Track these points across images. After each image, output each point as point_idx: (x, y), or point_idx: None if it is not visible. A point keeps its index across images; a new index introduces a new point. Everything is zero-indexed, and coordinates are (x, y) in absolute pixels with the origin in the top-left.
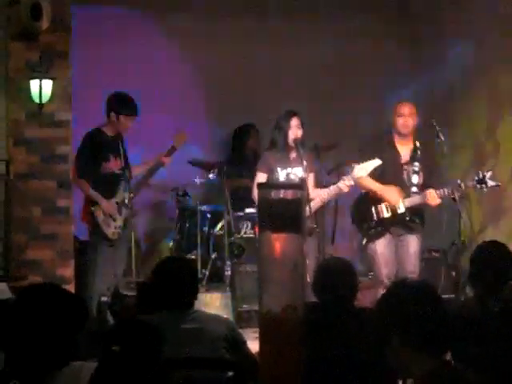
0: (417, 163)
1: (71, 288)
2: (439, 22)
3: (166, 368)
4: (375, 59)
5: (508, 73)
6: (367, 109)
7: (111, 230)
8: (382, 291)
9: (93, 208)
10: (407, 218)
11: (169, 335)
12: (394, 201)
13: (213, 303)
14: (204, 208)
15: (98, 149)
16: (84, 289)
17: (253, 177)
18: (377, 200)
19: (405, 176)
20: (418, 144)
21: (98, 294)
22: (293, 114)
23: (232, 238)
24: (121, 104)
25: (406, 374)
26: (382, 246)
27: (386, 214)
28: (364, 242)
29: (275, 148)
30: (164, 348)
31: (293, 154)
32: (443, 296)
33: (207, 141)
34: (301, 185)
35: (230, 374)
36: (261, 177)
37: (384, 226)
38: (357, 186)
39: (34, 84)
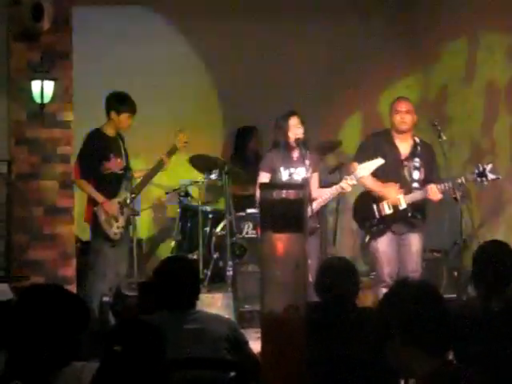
0: (417, 159)
1: (73, 288)
2: (435, 20)
3: (167, 368)
4: (376, 58)
5: (503, 71)
6: (368, 108)
7: (113, 230)
8: (383, 290)
9: (95, 208)
10: (409, 214)
11: (170, 335)
12: (393, 198)
13: (214, 303)
14: (206, 208)
15: (99, 149)
16: (86, 289)
17: (254, 177)
18: (378, 197)
19: (405, 172)
20: (417, 140)
21: (99, 294)
22: (291, 113)
23: (234, 238)
24: (120, 102)
25: (407, 374)
26: (384, 245)
27: (388, 211)
28: (367, 239)
29: (277, 148)
30: (166, 348)
31: (295, 154)
32: (445, 296)
33: (208, 141)
34: (303, 185)
35: (232, 374)
36: (264, 177)
37: (386, 224)
38: (359, 184)
39: (36, 84)
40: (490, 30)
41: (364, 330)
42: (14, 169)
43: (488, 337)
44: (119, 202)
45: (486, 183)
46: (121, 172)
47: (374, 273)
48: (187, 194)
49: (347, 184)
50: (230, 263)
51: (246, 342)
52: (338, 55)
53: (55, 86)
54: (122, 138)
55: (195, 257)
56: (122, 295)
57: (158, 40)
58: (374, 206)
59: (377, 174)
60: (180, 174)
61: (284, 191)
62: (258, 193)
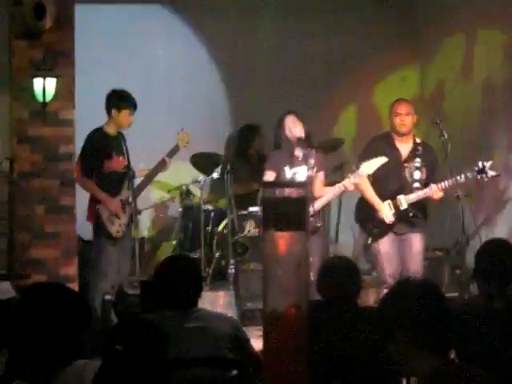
0: (418, 159)
1: (75, 287)
2: (434, 15)
3: (169, 367)
4: (372, 51)
5: (500, 67)
6: (369, 107)
7: (116, 228)
8: (385, 291)
9: (98, 207)
10: (410, 214)
11: (172, 334)
12: (385, 215)
13: (216, 302)
14: (207, 207)
15: (100, 147)
16: (88, 288)
17: (256, 176)
18: (379, 198)
19: (407, 173)
20: (418, 140)
21: (101, 292)
22: (287, 112)
23: (236, 237)
24: (121, 99)
25: (409, 373)
26: (385, 246)
27: (390, 213)
28: (369, 241)
29: (279, 148)
30: (168, 347)
31: (299, 153)
32: (447, 294)
33: (210, 140)
34: (305, 183)
35: (234, 372)
36: (269, 176)
37: (388, 225)
38: (358, 187)
39: (38, 82)
40: (488, 26)
41: (365, 329)
42: (16, 167)
43: (490, 336)
44: (121, 201)
45: (486, 180)
46: (123, 170)
47: (376, 271)
48: (189, 193)
49: (350, 182)
50: (232, 261)
51: (248, 340)
52: (335, 48)
53: (57, 84)
54: (124, 137)
55: (197, 255)
56: (124, 294)
57: (159, 39)
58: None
59: (378, 175)
60: (182, 172)
61: (286, 190)
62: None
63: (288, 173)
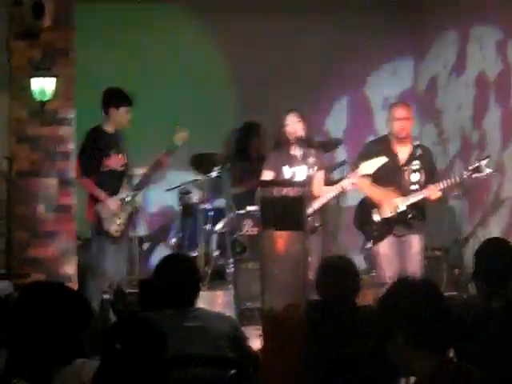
0: (416, 161)
1: (73, 286)
2: (428, 10)
3: (168, 366)
4: (363, 43)
5: (493, 62)
6: (369, 106)
7: (115, 227)
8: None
9: (97, 206)
10: (409, 216)
11: (171, 333)
12: (390, 204)
13: (215, 301)
14: (206, 206)
15: (99, 146)
16: (86, 286)
17: (255, 175)
18: (378, 202)
19: (405, 177)
20: (416, 143)
21: (100, 291)
22: (289, 110)
23: (234, 236)
24: (118, 97)
25: (408, 372)
26: (385, 248)
27: (388, 214)
28: (369, 245)
29: (279, 147)
30: (166, 346)
31: (298, 152)
32: (446, 294)
33: (210, 139)
34: (303, 182)
35: (233, 372)
36: (267, 175)
37: (387, 226)
38: (358, 187)
39: (37, 82)
40: (481, 23)
41: (364, 328)
42: (15, 166)
43: (489, 335)
44: (120, 200)
45: (483, 178)
46: (121, 169)
47: (375, 271)
48: (188, 192)
49: (349, 183)
50: (231, 261)
51: (247, 340)
52: (327, 41)
53: (56, 83)
54: (122, 136)
55: (196, 254)
56: (123, 293)
57: (158, 38)
58: (375, 210)
59: (377, 179)
60: (180, 171)
61: (284, 189)
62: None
63: (287, 172)
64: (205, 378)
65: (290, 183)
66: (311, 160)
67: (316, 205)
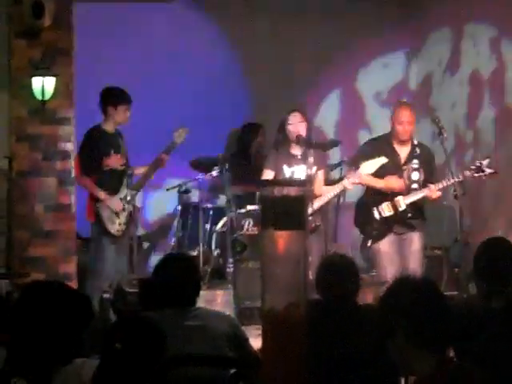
0: (416, 160)
1: (73, 285)
2: (422, 7)
3: (168, 365)
4: (361, 43)
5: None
6: (369, 105)
7: (115, 226)
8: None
9: (97, 205)
10: (409, 215)
11: (171, 332)
12: (398, 186)
13: (215, 300)
14: (206, 205)
15: (98, 145)
16: (86, 286)
17: (256, 174)
18: (377, 200)
19: (405, 175)
20: (415, 142)
21: (100, 290)
22: (292, 109)
23: (234, 235)
24: (116, 96)
25: (408, 372)
26: (385, 246)
27: (388, 213)
28: (369, 244)
29: (279, 146)
30: (166, 345)
31: (298, 152)
32: (446, 293)
33: (210, 138)
34: (304, 182)
35: (233, 371)
36: (268, 175)
37: (387, 225)
38: (361, 183)
39: (37, 81)
40: (475, 20)
41: (364, 327)
42: (14, 165)
43: (488, 334)
44: (120, 199)
45: (484, 178)
46: (121, 168)
47: (375, 270)
48: (188, 191)
49: (349, 183)
50: (231, 260)
51: (247, 339)
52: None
53: (56, 82)
54: (121, 135)
55: (196, 254)
56: (123, 292)
57: (158, 38)
58: (374, 209)
59: (377, 177)
60: (181, 170)
61: (285, 188)
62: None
63: (287, 171)
64: (205, 378)
65: (291, 182)
66: (311, 160)
67: (316, 205)
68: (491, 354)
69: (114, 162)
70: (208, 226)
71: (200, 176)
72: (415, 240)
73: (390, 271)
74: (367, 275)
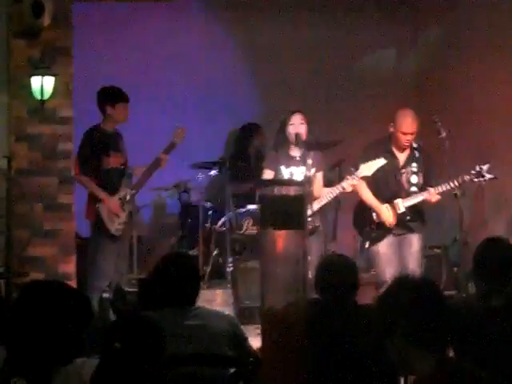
0: (415, 164)
1: (73, 284)
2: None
3: (168, 364)
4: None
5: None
6: (370, 105)
7: (115, 226)
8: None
9: (97, 205)
10: (407, 218)
11: (171, 332)
12: (385, 218)
13: (214, 300)
14: (206, 204)
15: (98, 145)
16: (85, 285)
17: (255, 175)
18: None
19: (404, 179)
20: (415, 145)
21: (99, 290)
22: (294, 111)
23: (234, 235)
24: (113, 94)
25: (408, 371)
26: (384, 247)
27: (388, 214)
28: (367, 245)
29: (279, 147)
30: (166, 344)
31: (297, 153)
32: (445, 292)
33: (210, 138)
34: (303, 182)
35: (232, 370)
36: (267, 175)
37: (386, 228)
38: (356, 189)
39: (36, 81)
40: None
41: (363, 327)
42: (14, 165)
43: (488, 333)
44: (120, 199)
45: (483, 183)
46: (121, 168)
47: (374, 269)
48: (187, 191)
49: (348, 184)
50: (230, 259)
51: (246, 339)
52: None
53: (55, 82)
54: (121, 135)
55: (195, 253)
56: (122, 291)
57: (157, 37)
58: (373, 211)
59: (376, 180)
60: (180, 170)
61: (284, 188)
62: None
63: (285, 172)
64: (204, 377)
65: (290, 182)
66: (310, 161)
67: (316, 206)
68: (491, 353)
69: (114, 161)
70: (207, 226)
71: (199, 176)
72: (414, 241)
73: (388, 272)
74: (366, 275)
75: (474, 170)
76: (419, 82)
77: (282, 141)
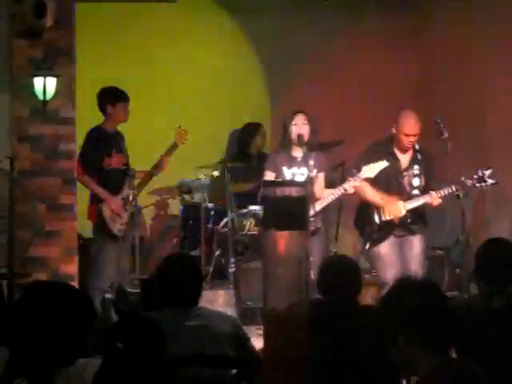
0: (417, 166)
1: (75, 285)
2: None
3: (170, 365)
4: (379, 57)
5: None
6: (370, 106)
7: (117, 226)
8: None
9: (100, 205)
10: (409, 221)
11: (173, 332)
12: (394, 213)
13: (216, 300)
14: (208, 205)
15: (100, 145)
16: (88, 286)
17: (256, 175)
18: (379, 206)
19: (405, 182)
20: (417, 147)
21: (101, 291)
22: (297, 111)
23: (236, 236)
24: (112, 94)
25: (410, 371)
26: (386, 248)
27: (388, 217)
28: (367, 246)
29: (281, 147)
30: (168, 345)
31: (299, 154)
32: (447, 293)
33: (212, 138)
34: (305, 183)
35: (234, 371)
36: (269, 175)
37: (387, 229)
38: (359, 191)
39: (38, 81)
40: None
41: (366, 327)
42: (16, 165)
43: (490, 334)
44: (123, 199)
45: (485, 188)
46: (123, 168)
47: (376, 273)
48: (189, 191)
49: (350, 186)
50: (232, 260)
51: (248, 339)
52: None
53: (57, 82)
54: (122, 136)
55: (197, 254)
56: (125, 292)
57: (157, 37)
58: (375, 213)
59: (378, 182)
60: (182, 170)
61: (287, 189)
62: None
63: (287, 173)
64: (206, 378)
65: (292, 183)
66: (311, 162)
67: (318, 207)
68: (493, 354)
69: (116, 161)
70: (209, 226)
71: (201, 176)
72: (416, 243)
73: (390, 273)
74: (368, 276)
75: (477, 174)
76: (420, 83)
77: (284, 141)
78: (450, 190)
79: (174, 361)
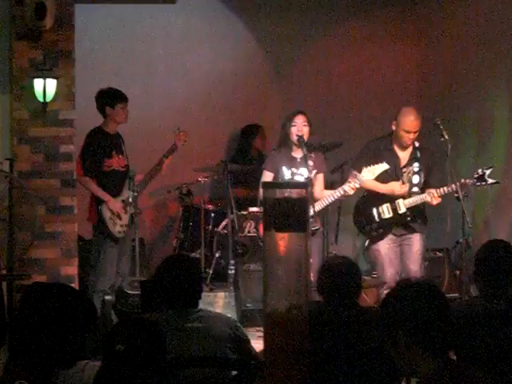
0: (417, 163)
1: (75, 287)
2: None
3: (170, 367)
4: (381, 58)
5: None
6: (371, 107)
7: (117, 228)
8: (386, 291)
9: (100, 207)
10: (408, 219)
11: (173, 334)
12: (398, 192)
13: (216, 302)
14: (208, 207)
15: (100, 146)
16: (87, 287)
17: (257, 176)
18: (378, 202)
19: (405, 178)
20: (417, 144)
21: (101, 292)
22: (297, 112)
23: (236, 237)
24: (112, 94)
25: (410, 373)
26: (385, 247)
27: (388, 215)
28: (367, 243)
29: (281, 147)
30: (168, 347)
31: (299, 154)
32: (447, 295)
33: (211, 139)
34: (305, 184)
35: (235, 373)
36: (267, 176)
37: (386, 227)
38: (362, 187)
39: (38, 83)
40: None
41: (366, 329)
42: (16, 167)
43: (490, 336)
44: (123, 200)
45: (485, 187)
46: (123, 170)
47: (376, 271)
48: (189, 193)
49: (350, 187)
50: (232, 262)
51: (248, 341)
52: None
53: (58, 84)
54: (122, 138)
55: (197, 255)
56: (124, 294)
57: (157, 38)
58: (374, 210)
59: (377, 180)
60: (182, 172)
61: (287, 190)
62: (261, 192)
63: (286, 173)
64: (206, 379)
65: (292, 184)
66: (311, 163)
67: (317, 208)
68: (492, 355)
69: (116, 163)
70: (209, 228)
71: (201, 178)
72: (415, 241)
73: (389, 272)
74: (369, 277)
75: (477, 173)
76: (421, 84)
77: (284, 142)
78: (450, 189)
79: (173, 363)
